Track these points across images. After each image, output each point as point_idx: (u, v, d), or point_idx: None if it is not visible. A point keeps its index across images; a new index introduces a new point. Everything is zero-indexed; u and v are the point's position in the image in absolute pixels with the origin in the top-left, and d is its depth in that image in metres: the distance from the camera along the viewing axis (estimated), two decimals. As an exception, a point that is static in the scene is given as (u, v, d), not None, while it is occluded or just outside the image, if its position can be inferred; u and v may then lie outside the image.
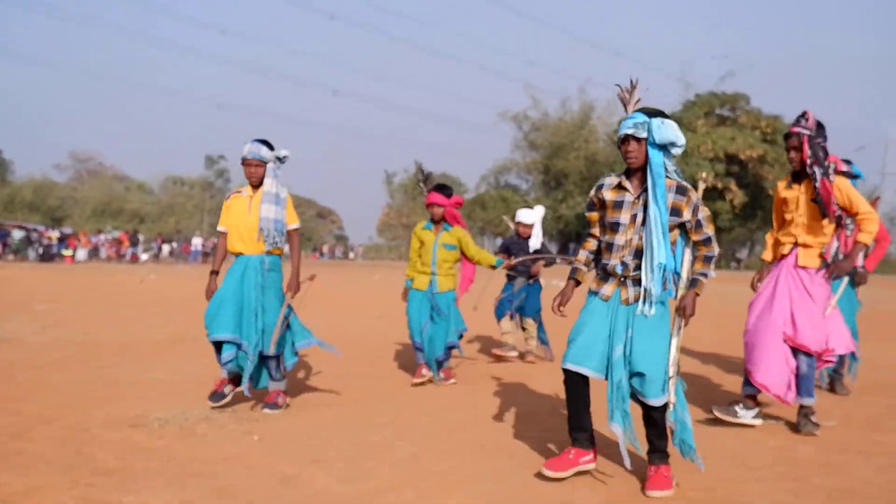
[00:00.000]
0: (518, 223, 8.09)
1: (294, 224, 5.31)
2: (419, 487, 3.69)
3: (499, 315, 7.90)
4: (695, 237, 3.81)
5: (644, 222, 3.72)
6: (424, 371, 6.45)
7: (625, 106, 3.83)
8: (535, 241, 8.18)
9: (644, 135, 3.68)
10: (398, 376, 6.82)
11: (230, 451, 4.22)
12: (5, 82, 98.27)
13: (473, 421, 5.10)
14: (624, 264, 3.75)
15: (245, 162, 5.15)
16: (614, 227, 3.80)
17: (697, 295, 3.77)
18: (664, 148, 3.71)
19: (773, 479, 3.93)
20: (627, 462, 3.76)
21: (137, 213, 56.45)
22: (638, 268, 3.73)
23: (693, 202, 3.75)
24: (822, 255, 4.91)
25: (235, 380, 5.26)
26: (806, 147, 4.75)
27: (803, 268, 4.93)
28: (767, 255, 5.30)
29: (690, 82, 51.33)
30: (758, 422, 5.02)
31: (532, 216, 8.13)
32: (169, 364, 6.94)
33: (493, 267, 6.65)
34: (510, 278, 7.98)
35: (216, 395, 5.20)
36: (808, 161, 4.74)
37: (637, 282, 3.74)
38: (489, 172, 54.90)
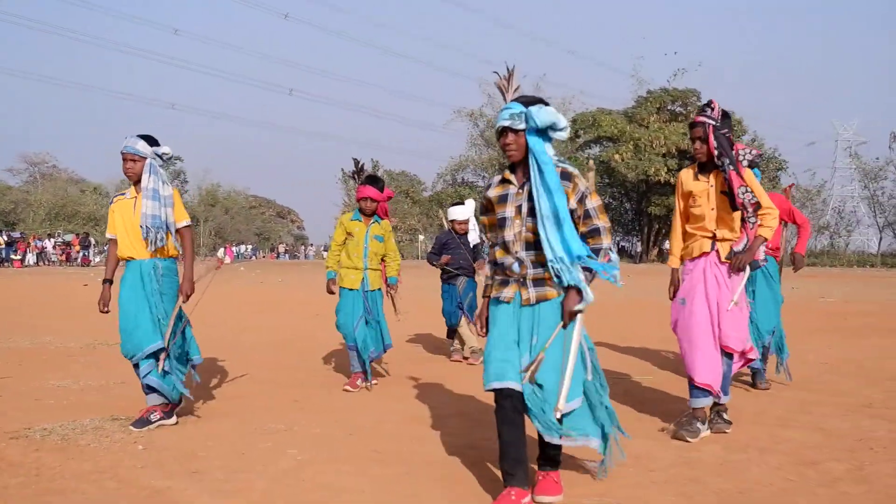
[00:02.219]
0: (452, 221, 7.96)
1: (184, 222, 4.99)
2: (293, 500, 3.50)
3: (454, 322, 7.74)
4: (582, 229, 3.54)
5: (530, 213, 3.51)
6: (360, 381, 6.15)
7: (503, 94, 3.65)
8: (473, 236, 8.05)
9: (522, 126, 3.49)
10: (316, 380, 6.61)
11: (105, 464, 3.99)
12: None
13: (375, 425, 4.92)
14: (520, 261, 3.53)
15: (122, 157, 4.85)
16: (502, 223, 3.59)
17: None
18: (545, 133, 3.54)
19: (669, 481, 3.80)
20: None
21: (93, 217, 55.27)
22: (535, 265, 3.51)
23: (580, 190, 3.51)
24: (731, 248, 4.76)
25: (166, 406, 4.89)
26: (711, 138, 4.61)
27: (725, 263, 4.72)
28: (675, 262, 5.00)
29: (643, 79, 50.82)
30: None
31: (465, 212, 8.00)
32: (75, 372, 6.66)
33: (387, 280, 6.52)
34: (450, 279, 7.81)
35: (140, 422, 4.76)
36: (716, 152, 4.60)
37: (537, 282, 3.51)
38: (446, 170, 54.39)
